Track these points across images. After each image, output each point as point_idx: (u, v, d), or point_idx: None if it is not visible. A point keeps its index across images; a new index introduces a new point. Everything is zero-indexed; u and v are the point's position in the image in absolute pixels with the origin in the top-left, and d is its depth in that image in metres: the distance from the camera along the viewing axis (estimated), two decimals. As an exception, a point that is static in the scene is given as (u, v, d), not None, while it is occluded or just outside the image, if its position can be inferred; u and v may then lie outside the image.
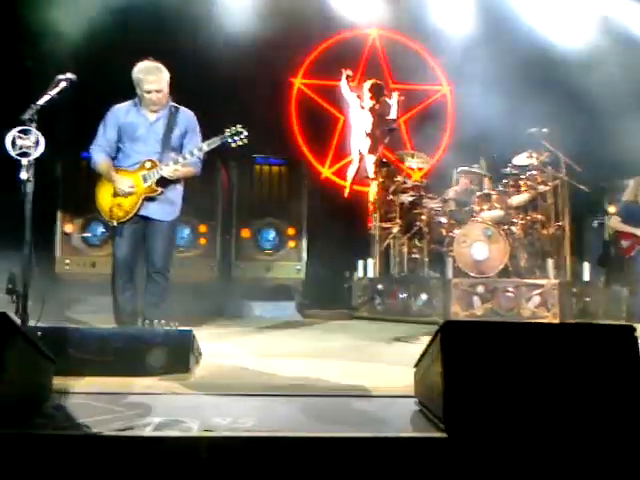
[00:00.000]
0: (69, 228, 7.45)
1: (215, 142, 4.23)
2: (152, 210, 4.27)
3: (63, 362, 2.93)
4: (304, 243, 7.98)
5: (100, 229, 7.49)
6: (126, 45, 7.97)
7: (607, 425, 2.15)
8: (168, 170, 4.19)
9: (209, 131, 4.50)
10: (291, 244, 7.89)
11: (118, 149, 4.33)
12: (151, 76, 4.19)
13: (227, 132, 4.24)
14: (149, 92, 4.19)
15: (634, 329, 2.26)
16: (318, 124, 10.25)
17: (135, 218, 4.25)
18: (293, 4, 9.29)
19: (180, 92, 4.47)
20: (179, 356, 3.30)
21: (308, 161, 9.95)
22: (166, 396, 2.83)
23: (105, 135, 4.33)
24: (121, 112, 4.32)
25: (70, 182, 7.54)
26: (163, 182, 4.24)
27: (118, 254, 4.30)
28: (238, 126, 4.26)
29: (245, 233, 7.87)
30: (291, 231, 7.92)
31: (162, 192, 4.24)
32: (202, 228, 7.65)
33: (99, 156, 4.31)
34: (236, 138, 4.25)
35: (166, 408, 2.55)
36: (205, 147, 4.24)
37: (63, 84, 3.81)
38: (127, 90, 4.40)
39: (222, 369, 3.65)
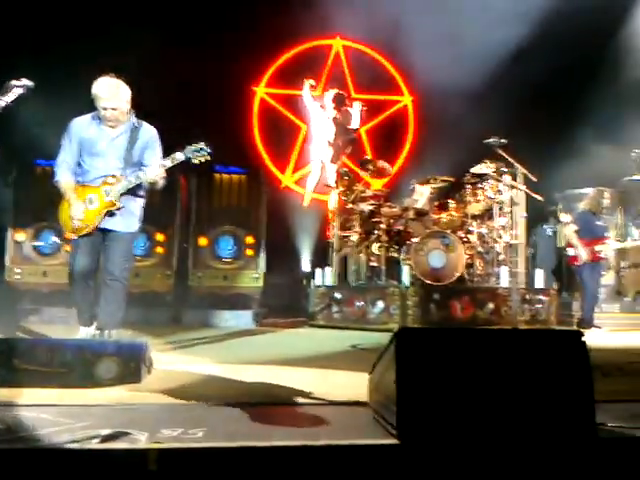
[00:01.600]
0: (20, 236, 7.27)
1: (178, 158, 4.24)
2: (113, 222, 4.26)
3: (8, 373, 2.84)
4: (262, 252, 7.94)
5: (52, 238, 7.33)
6: (76, 49, 7.88)
7: (558, 426, 2.18)
8: (136, 180, 4.20)
9: (168, 138, 4.51)
10: (249, 253, 7.85)
11: (78, 164, 4.31)
12: (107, 93, 4.16)
13: (189, 148, 4.25)
14: (105, 109, 4.17)
15: (582, 334, 2.29)
16: (280, 133, 10.28)
17: (92, 232, 4.25)
18: (257, 13, 9.30)
19: (139, 100, 4.44)
20: (130, 366, 3.23)
21: (268, 170, 9.95)
22: (115, 407, 2.77)
23: (70, 150, 4.29)
24: (82, 126, 4.29)
25: (22, 189, 7.39)
26: (125, 194, 4.24)
27: (75, 265, 4.26)
28: (201, 143, 4.27)
29: (203, 241, 7.80)
30: (249, 240, 7.88)
31: (122, 207, 4.24)
32: (159, 237, 7.56)
33: (64, 175, 4.29)
34: (198, 154, 4.25)
35: (115, 419, 2.49)
36: (169, 163, 4.24)
37: (19, 90, 3.75)
38: (80, 97, 4.35)
39: (174, 379, 3.58)
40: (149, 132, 4.38)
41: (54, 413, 2.55)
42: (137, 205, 4.40)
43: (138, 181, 4.22)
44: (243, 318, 7.59)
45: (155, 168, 4.22)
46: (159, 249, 7.52)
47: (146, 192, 4.45)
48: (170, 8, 8.91)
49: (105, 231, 4.28)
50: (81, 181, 4.28)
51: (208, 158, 4.30)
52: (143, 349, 3.35)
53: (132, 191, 4.27)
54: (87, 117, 4.31)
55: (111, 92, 4.16)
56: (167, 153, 4.37)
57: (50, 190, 4.45)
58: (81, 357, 3.18)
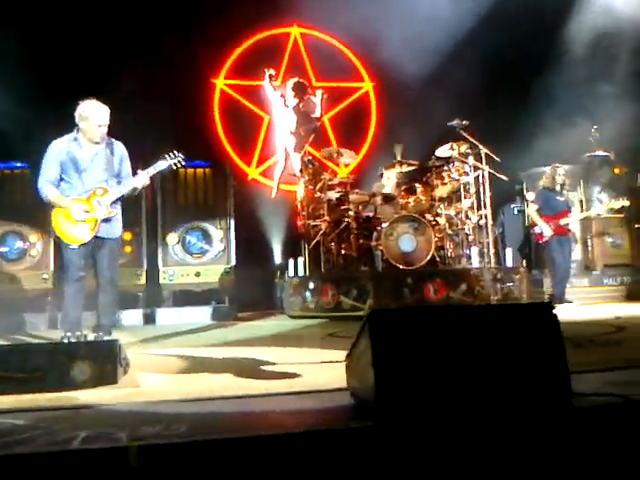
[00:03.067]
0: (-15, 243, 7.13)
1: (160, 166, 4.84)
2: (106, 230, 4.74)
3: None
4: (232, 245, 7.91)
5: (18, 243, 7.20)
6: (35, 53, 7.77)
7: (535, 397, 2.21)
8: (125, 188, 4.74)
9: (130, 134, 4.99)
10: (219, 247, 7.80)
11: (61, 179, 4.73)
12: (100, 112, 4.69)
13: (168, 157, 4.87)
14: (100, 126, 4.67)
15: (552, 306, 2.33)
16: (242, 125, 10.20)
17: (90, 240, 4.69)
18: (214, 3, 9.21)
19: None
20: (105, 367, 3.18)
21: (233, 162, 9.88)
22: (93, 409, 2.73)
23: (49, 171, 4.71)
24: (61, 148, 4.72)
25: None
26: (114, 203, 4.73)
27: (72, 272, 4.68)
28: (175, 152, 4.90)
29: (171, 238, 7.73)
30: (219, 234, 7.83)
31: (116, 214, 4.76)
32: (126, 236, 7.42)
33: (49, 189, 4.69)
34: (175, 161, 4.91)
35: (92, 421, 2.46)
36: (152, 171, 4.81)
37: (169, 163, 4.68)
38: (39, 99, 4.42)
39: (152, 377, 3.55)
40: (122, 146, 4.91)
41: (29, 418, 2.51)
42: (119, 210, 4.88)
43: (126, 191, 4.73)
44: (218, 313, 7.56)
45: (144, 176, 4.77)
46: (128, 248, 7.43)
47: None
48: (125, 3, 8.78)
49: (99, 238, 4.72)
50: (70, 196, 4.68)
51: (183, 164, 4.99)
52: (118, 349, 3.31)
53: (117, 199, 4.76)
54: (65, 139, 4.76)
55: (103, 112, 4.70)
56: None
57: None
58: (55, 360, 3.13)
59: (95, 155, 4.73)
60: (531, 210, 7.91)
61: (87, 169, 4.70)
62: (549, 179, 7.86)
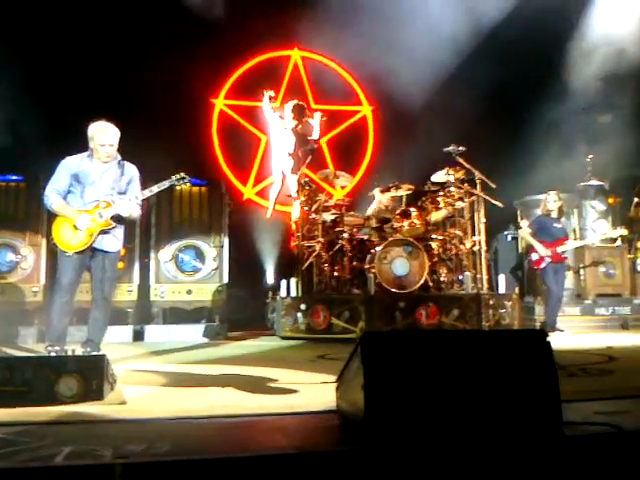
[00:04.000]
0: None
1: (164, 185, 5.04)
2: (104, 242, 4.85)
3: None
4: (225, 264, 7.88)
5: (9, 256, 7.17)
6: (34, 70, 7.82)
7: (526, 425, 2.19)
8: (123, 207, 4.84)
9: (130, 152, 5.06)
10: (212, 265, 7.78)
11: (69, 192, 4.89)
12: (105, 133, 4.87)
13: (173, 177, 5.10)
14: (103, 145, 4.84)
15: (546, 334, 2.32)
16: (240, 145, 10.24)
17: (86, 249, 4.78)
18: (215, 24, 9.29)
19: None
20: (92, 383, 3.14)
21: (229, 181, 9.90)
22: (77, 425, 2.69)
23: (59, 181, 4.89)
24: (73, 163, 4.91)
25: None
26: (114, 219, 4.85)
27: (64, 279, 4.76)
28: (182, 173, 5.12)
29: (164, 255, 7.70)
30: (212, 252, 7.81)
31: (115, 226, 4.86)
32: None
33: (55, 197, 4.86)
34: (180, 182, 5.14)
35: (77, 437, 2.42)
36: (155, 189, 5.00)
37: (174, 182, 4.85)
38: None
39: (139, 395, 3.51)
40: (133, 168, 5.08)
41: (11, 432, 2.46)
42: (122, 229, 5.01)
43: (120, 210, 4.82)
44: (208, 331, 7.51)
45: (145, 193, 4.96)
46: (120, 264, 7.34)
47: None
48: (129, 23, 8.85)
49: (96, 250, 4.83)
50: (75, 207, 4.82)
51: (188, 184, 5.32)
52: (104, 365, 3.27)
53: (119, 215, 4.88)
54: (78, 156, 4.94)
55: (110, 132, 4.89)
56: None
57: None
58: (41, 374, 3.09)
59: (104, 172, 4.91)
60: (524, 233, 7.87)
61: (94, 183, 4.87)
62: (543, 205, 7.85)
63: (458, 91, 9.38)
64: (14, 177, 7.43)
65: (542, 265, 7.55)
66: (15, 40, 8.07)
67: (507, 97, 9.58)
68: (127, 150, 5.07)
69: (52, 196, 4.85)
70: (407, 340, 2.34)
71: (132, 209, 4.90)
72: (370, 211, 8.09)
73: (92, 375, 3.16)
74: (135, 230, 7.61)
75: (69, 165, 4.91)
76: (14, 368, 3.14)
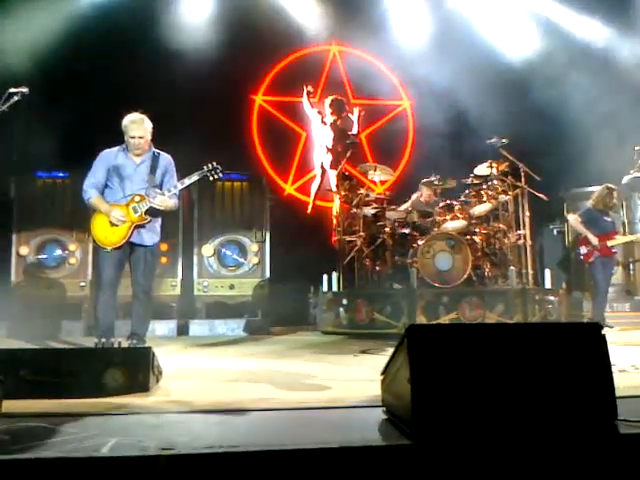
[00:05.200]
0: (24, 250, 7.23)
1: (195, 177, 4.94)
2: (140, 237, 4.86)
3: (14, 384, 2.79)
4: (267, 259, 7.89)
5: (57, 251, 7.31)
6: (79, 68, 7.95)
7: (578, 422, 2.12)
8: (157, 201, 4.81)
9: (172, 149, 5.09)
10: (254, 260, 7.80)
11: (106, 186, 4.92)
12: (135, 125, 4.85)
13: (205, 168, 4.99)
14: (133, 137, 4.83)
15: (601, 327, 2.23)
16: (280, 140, 10.23)
17: (123, 244, 4.80)
18: (253, 22, 9.32)
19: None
20: (138, 375, 3.18)
21: (270, 177, 9.91)
22: (123, 416, 2.71)
23: (96, 175, 4.91)
24: (110, 156, 4.94)
25: (25, 202, 7.37)
26: (149, 212, 4.83)
27: (105, 275, 4.83)
28: (214, 163, 5.01)
29: (207, 250, 7.75)
30: (254, 247, 7.83)
31: (150, 220, 4.84)
32: (163, 247, 7.44)
33: (92, 192, 4.87)
34: (212, 172, 5.00)
35: (122, 428, 2.44)
36: (187, 181, 4.92)
37: (15, 98, 4.12)
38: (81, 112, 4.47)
39: (184, 387, 3.53)
40: (167, 159, 5.05)
41: (59, 423, 2.50)
42: (158, 223, 5.02)
43: (156, 204, 4.80)
44: (251, 326, 7.53)
45: (178, 187, 4.88)
46: (163, 259, 7.46)
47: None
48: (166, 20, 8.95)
49: (134, 245, 4.86)
50: (110, 201, 4.85)
51: (221, 175, 5.08)
52: (150, 357, 3.30)
53: (154, 208, 4.86)
54: (115, 149, 4.96)
55: (138, 123, 4.86)
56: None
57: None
58: (89, 366, 3.13)
59: (139, 165, 4.92)
60: (575, 222, 7.62)
61: (129, 177, 4.88)
62: (598, 199, 7.57)
63: (501, 83, 9.21)
64: (60, 174, 7.58)
65: (591, 259, 7.35)
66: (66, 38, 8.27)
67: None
68: (169, 146, 5.10)
69: (89, 190, 4.87)
70: (455, 333, 2.29)
71: (168, 201, 4.88)
72: (408, 204, 8.00)
73: (138, 367, 3.20)
74: (178, 225, 7.68)
75: (105, 158, 4.94)
76: (62, 360, 3.20)
